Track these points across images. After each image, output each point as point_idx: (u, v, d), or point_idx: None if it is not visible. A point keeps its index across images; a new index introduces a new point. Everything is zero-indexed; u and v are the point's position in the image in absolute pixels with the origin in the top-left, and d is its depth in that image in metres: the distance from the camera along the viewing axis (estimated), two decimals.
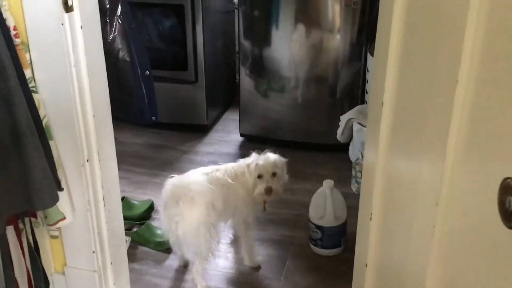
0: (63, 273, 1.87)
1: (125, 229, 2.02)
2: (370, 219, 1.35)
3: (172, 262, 2.32)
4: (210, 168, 2.19)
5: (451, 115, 0.91)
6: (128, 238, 2.35)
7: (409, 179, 1.14)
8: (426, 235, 1.00)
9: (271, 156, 2.15)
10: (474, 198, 0.84)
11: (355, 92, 3.11)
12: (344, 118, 2.68)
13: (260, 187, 2.07)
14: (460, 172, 0.88)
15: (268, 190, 2.07)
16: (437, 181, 0.94)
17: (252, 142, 3.38)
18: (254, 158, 2.12)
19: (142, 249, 2.40)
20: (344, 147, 2.87)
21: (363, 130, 2.52)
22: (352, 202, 2.37)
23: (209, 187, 2.02)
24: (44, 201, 1.47)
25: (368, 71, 2.89)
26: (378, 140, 1.28)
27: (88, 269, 1.83)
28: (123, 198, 2.45)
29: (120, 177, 1.90)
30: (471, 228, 0.87)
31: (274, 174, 2.10)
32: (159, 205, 2.64)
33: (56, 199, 1.50)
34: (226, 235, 2.48)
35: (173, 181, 2.07)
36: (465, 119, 0.89)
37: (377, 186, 1.32)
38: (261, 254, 2.37)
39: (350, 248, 2.30)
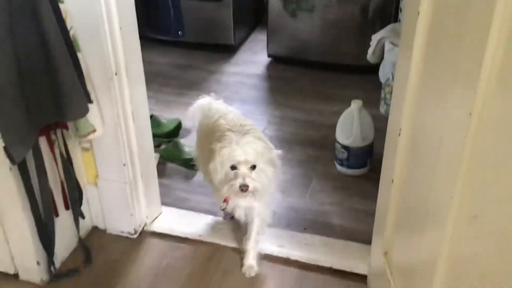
0: (96, 185, 1.93)
1: (154, 146, 2.06)
2: (399, 135, 1.33)
3: (200, 178, 2.37)
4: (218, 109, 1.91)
5: (491, 24, 0.86)
6: (157, 155, 2.40)
7: (441, 92, 1.10)
8: (456, 150, 0.98)
9: (254, 142, 1.61)
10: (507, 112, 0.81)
11: (387, 11, 2.99)
12: (375, 37, 2.60)
13: (233, 184, 1.57)
14: (496, 85, 0.85)
15: (243, 189, 1.57)
16: (472, 92, 0.91)
17: (279, 63, 3.33)
18: (229, 140, 1.61)
19: (170, 165, 2.45)
20: (373, 69, 2.81)
21: (395, 50, 2.44)
22: (380, 124, 2.35)
23: None
24: (75, 111, 1.49)
25: None
26: (411, 53, 1.24)
27: (119, 181, 1.89)
28: (151, 116, 2.47)
29: (147, 97, 1.91)
30: (504, 141, 0.85)
31: (253, 167, 1.59)
32: (186, 124, 2.68)
33: (86, 110, 1.52)
34: None
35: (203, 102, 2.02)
36: (505, 28, 0.84)
37: (408, 101, 1.29)
38: (287, 173, 2.40)
39: (376, 168, 2.31)
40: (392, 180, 1.40)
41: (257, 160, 1.59)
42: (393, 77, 2.49)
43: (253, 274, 1.82)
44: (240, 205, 1.79)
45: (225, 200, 1.73)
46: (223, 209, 1.76)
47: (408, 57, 1.26)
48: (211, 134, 1.76)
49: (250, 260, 1.85)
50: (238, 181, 1.56)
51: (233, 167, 1.59)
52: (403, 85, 1.30)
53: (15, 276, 1.83)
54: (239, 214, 1.83)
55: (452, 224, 1.01)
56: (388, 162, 1.47)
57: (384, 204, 1.51)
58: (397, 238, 1.45)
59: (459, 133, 0.95)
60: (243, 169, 1.57)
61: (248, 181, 1.56)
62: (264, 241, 1.97)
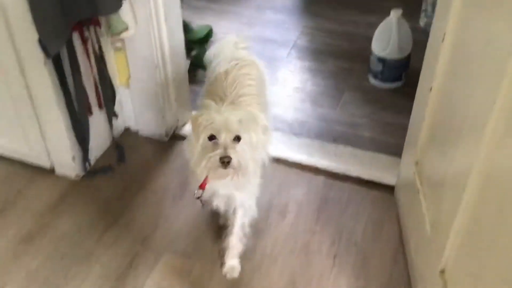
0: (128, 86, 1.94)
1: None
2: (442, 40, 1.28)
3: None
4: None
5: None
6: (188, 61, 2.37)
7: (489, 5, 1.04)
8: (505, 53, 0.93)
9: (239, 110, 1.36)
10: None
11: None
12: None
13: (212, 156, 1.26)
14: None
15: (225, 162, 1.25)
16: None
17: None
18: (207, 107, 1.35)
19: (201, 72, 2.42)
20: None
21: None
22: (418, 37, 2.26)
23: None
24: (108, 6, 1.47)
25: None
26: None
27: (151, 83, 1.89)
28: (183, 22, 2.42)
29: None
30: None
31: (238, 139, 1.29)
32: (217, 31, 2.62)
33: (119, 5, 1.49)
34: (286, 64, 2.47)
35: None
36: None
37: (455, 5, 1.22)
38: (318, 84, 2.36)
39: (410, 83, 2.25)
40: (431, 89, 1.36)
41: (242, 130, 1.28)
42: None
43: (235, 275, 1.53)
44: (219, 193, 1.45)
45: (201, 186, 1.38)
46: (199, 198, 1.40)
47: None
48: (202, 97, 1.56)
49: (232, 259, 1.55)
50: (218, 152, 1.25)
51: (212, 137, 1.28)
52: None
53: (51, 170, 1.90)
54: (218, 204, 1.49)
55: (490, 134, 0.99)
56: (427, 70, 1.42)
57: (419, 113, 1.48)
58: (430, 148, 1.43)
59: (506, 42, 0.90)
60: (224, 139, 1.26)
61: (230, 153, 1.25)
62: (293, 150, 1.98)
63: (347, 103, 2.26)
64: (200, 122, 1.29)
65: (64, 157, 1.82)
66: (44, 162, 1.88)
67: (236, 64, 1.61)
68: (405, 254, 1.59)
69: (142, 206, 1.78)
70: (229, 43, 1.72)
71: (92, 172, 1.88)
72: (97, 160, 1.94)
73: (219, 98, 1.48)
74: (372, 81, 2.32)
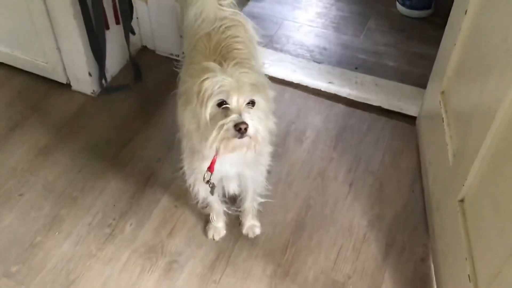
0: (146, 2, 1.87)
1: None
2: None
3: (251, 8, 2.27)
4: None
5: None
6: None
7: None
8: None
9: (249, 72, 1.13)
10: None
11: None
12: None
13: (225, 123, 1.05)
14: None
15: (241, 129, 1.05)
16: None
17: None
18: (212, 69, 1.12)
19: None
20: None
21: None
22: None
23: None
24: None
25: None
26: None
27: (169, 1, 1.82)
28: None
29: None
30: None
31: (251, 103, 1.09)
32: None
33: None
34: None
35: None
36: None
37: None
38: (343, 10, 2.26)
39: (440, 13, 2.16)
40: (466, 12, 1.29)
41: (256, 94, 1.10)
42: None
43: (257, 232, 1.47)
44: (229, 174, 1.29)
45: (210, 167, 1.20)
46: (208, 182, 1.22)
47: None
48: (186, 67, 1.36)
49: (251, 220, 1.47)
50: (232, 118, 1.05)
51: (222, 103, 1.08)
52: None
53: (68, 85, 1.88)
54: (228, 187, 1.35)
55: None
56: None
57: (450, 40, 1.41)
58: (459, 77, 1.38)
59: None
60: (237, 102, 1.07)
61: (246, 118, 1.06)
62: (312, 76, 1.93)
63: (372, 30, 2.17)
64: (206, 87, 1.08)
65: (80, 73, 1.79)
66: (61, 77, 1.86)
67: (221, 26, 1.38)
68: (422, 184, 1.57)
69: (159, 125, 1.77)
70: (211, 1, 1.43)
71: (109, 89, 1.86)
72: (114, 78, 1.91)
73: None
74: (400, 8, 2.21)
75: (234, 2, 1.48)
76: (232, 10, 1.46)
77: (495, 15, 1.15)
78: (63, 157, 1.66)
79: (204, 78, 1.09)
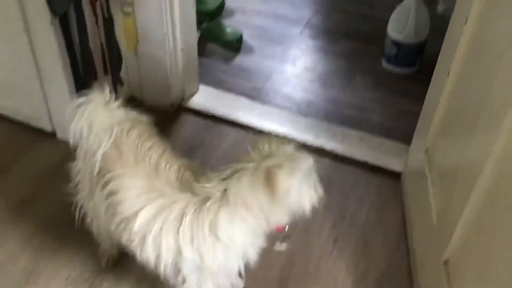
0: (135, 53, 1.89)
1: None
2: (465, 23, 1.22)
3: (240, 61, 2.31)
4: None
5: None
6: (198, 33, 2.32)
7: None
8: None
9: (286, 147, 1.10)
10: None
11: None
12: None
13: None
14: None
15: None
16: None
17: None
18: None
19: (211, 45, 2.38)
20: None
21: None
22: (435, 23, 2.20)
23: None
24: None
25: None
26: None
27: (159, 51, 1.84)
28: None
29: None
30: None
31: None
32: (230, 5, 2.56)
33: None
34: (299, 42, 2.42)
35: None
36: None
37: None
38: (330, 65, 2.31)
39: (424, 69, 2.21)
40: (448, 73, 1.31)
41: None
42: None
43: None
44: None
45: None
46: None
47: None
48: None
49: None
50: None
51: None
52: None
53: (53, 134, 1.87)
54: None
55: (510, 123, 0.94)
56: (446, 53, 1.37)
57: (434, 99, 1.44)
58: (442, 135, 1.39)
59: None
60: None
61: None
62: (299, 130, 1.94)
63: (358, 86, 2.21)
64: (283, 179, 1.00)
65: (66, 121, 1.78)
66: (46, 125, 1.85)
67: (122, 130, 1.19)
68: (407, 242, 1.56)
69: None
70: (99, 106, 1.21)
71: None
72: None
73: None
74: (385, 65, 2.26)
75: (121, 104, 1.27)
76: (124, 110, 1.27)
77: (476, 76, 1.18)
78: (44, 207, 1.63)
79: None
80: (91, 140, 1.18)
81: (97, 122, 1.19)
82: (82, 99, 1.20)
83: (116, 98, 1.26)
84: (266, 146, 1.07)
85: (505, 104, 0.95)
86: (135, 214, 1.10)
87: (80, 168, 1.28)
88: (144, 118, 1.30)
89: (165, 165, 1.15)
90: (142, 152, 1.17)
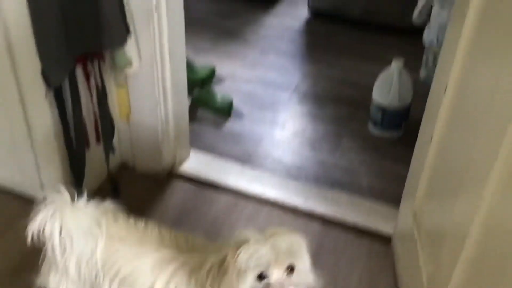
0: (128, 122, 1.93)
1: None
2: (444, 92, 1.28)
3: (231, 126, 2.36)
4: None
5: None
6: (189, 100, 2.38)
7: (496, 49, 1.04)
8: (506, 106, 0.93)
9: (284, 237, 1.05)
10: None
11: None
12: None
13: None
14: None
15: None
16: None
17: (320, 18, 3.24)
18: (252, 241, 1.02)
19: (201, 112, 2.44)
20: (417, 31, 2.70)
21: (443, 12, 2.33)
22: (418, 89, 2.29)
23: None
24: (113, 40, 1.48)
25: None
26: (467, 8, 1.17)
27: (151, 120, 1.89)
28: (186, 61, 2.45)
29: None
30: None
31: (291, 269, 1.03)
32: (220, 72, 2.65)
33: (124, 40, 1.51)
34: (287, 107, 2.49)
35: None
36: None
37: (458, 57, 1.23)
38: (318, 129, 2.36)
39: (410, 133, 2.26)
40: (431, 139, 1.36)
41: (294, 258, 1.03)
42: (438, 41, 2.39)
43: None
44: None
45: None
46: None
47: (464, 11, 1.19)
48: None
49: None
50: None
51: (262, 276, 1.01)
52: (455, 41, 1.24)
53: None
54: None
55: (492, 187, 0.97)
56: (428, 120, 1.42)
57: (418, 164, 1.47)
58: (429, 199, 1.41)
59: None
60: (277, 274, 1.01)
61: None
62: (289, 194, 1.96)
63: (346, 149, 2.25)
64: (242, 259, 0.99)
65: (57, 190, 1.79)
66: (37, 194, 1.85)
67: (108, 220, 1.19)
68: None
69: None
70: (66, 209, 1.17)
71: None
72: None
73: None
74: (372, 129, 2.32)
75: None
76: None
77: (457, 141, 1.22)
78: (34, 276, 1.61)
79: (240, 247, 1.01)
80: (76, 247, 1.15)
81: (71, 227, 1.14)
82: (45, 203, 1.16)
83: (80, 194, 1.22)
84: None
85: (486, 168, 0.98)
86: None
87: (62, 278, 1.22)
88: (118, 205, 1.26)
89: (170, 235, 1.17)
90: (140, 231, 1.19)
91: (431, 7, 2.49)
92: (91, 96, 1.73)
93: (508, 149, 0.92)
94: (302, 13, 3.30)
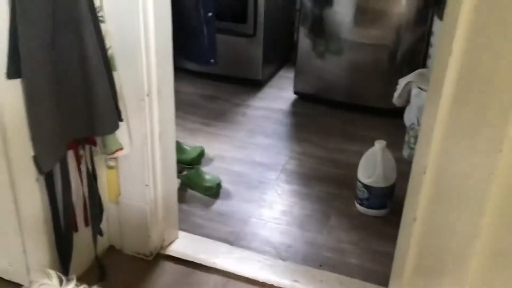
0: (117, 204, 1.95)
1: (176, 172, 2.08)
2: (424, 173, 1.33)
3: (219, 206, 2.38)
4: None
5: None
6: (178, 181, 2.41)
7: (470, 131, 1.11)
8: (484, 185, 0.97)
9: None
10: None
11: (416, 57, 3.02)
12: (402, 81, 2.62)
13: None
14: None
15: None
16: (503, 129, 0.91)
17: (305, 101, 3.37)
18: None
19: (190, 192, 2.46)
20: (398, 112, 2.82)
21: (422, 94, 2.46)
22: (402, 167, 2.34)
23: None
24: (105, 127, 1.53)
25: (433, 35, 2.79)
26: (441, 92, 1.25)
27: (140, 202, 1.91)
28: (175, 142, 2.51)
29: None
30: None
31: None
32: (209, 153, 2.71)
33: (116, 127, 1.56)
34: (275, 187, 2.53)
35: None
36: None
37: (435, 140, 1.29)
38: (305, 208, 2.39)
39: (396, 211, 2.29)
40: (414, 219, 1.39)
41: None
42: (418, 122, 2.49)
43: None
44: None
45: None
46: None
47: (437, 98, 1.27)
48: None
49: None
50: None
51: None
52: (430, 126, 1.30)
53: None
54: None
55: (475, 265, 1.00)
56: (411, 201, 1.46)
57: (404, 244, 1.49)
58: (416, 279, 1.42)
59: (486, 170, 0.95)
60: None
61: None
62: (278, 274, 1.95)
63: (334, 228, 2.27)
64: None
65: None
66: (23, 280, 1.82)
67: None
68: None
69: None
70: None
71: None
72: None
73: None
74: (359, 207, 2.35)
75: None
76: None
77: (440, 222, 1.26)
78: None
79: None
80: None
81: None
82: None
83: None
84: None
85: (466, 251, 1.01)
86: None
87: None
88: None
89: None
90: None
91: (411, 89, 2.62)
92: (81, 179, 1.75)
93: (487, 230, 0.95)
94: (288, 95, 3.43)
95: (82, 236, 1.83)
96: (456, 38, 1.15)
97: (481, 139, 1.01)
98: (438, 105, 1.26)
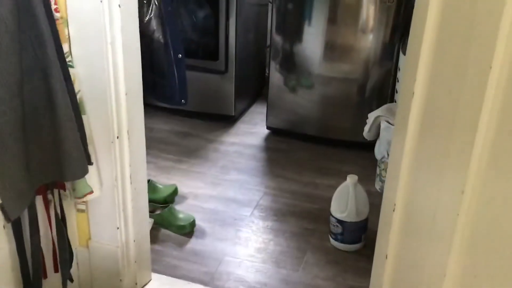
0: (87, 247, 1.91)
1: (149, 211, 2.06)
2: (393, 210, 1.35)
3: (193, 245, 2.35)
4: None
5: (481, 106, 0.90)
6: (151, 220, 2.39)
7: (434, 171, 1.13)
8: (449, 224, 0.99)
9: None
10: (502, 188, 0.84)
11: (384, 91, 3.09)
12: (372, 116, 2.67)
13: None
14: (487, 165, 0.88)
15: None
16: (464, 171, 0.94)
17: (277, 135, 3.40)
18: None
19: (164, 231, 2.43)
20: (369, 145, 2.86)
21: (390, 128, 2.50)
22: (375, 200, 2.37)
23: None
24: (74, 172, 1.51)
25: (399, 70, 2.87)
26: (405, 132, 1.28)
27: (111, 245, 1.87)
28: (148, 181, 2.49)
29: (146, 161, 1.93)
30: (495, 219, 0.86)
31: None
32: (183, 191, 2.70)
33: (85, 171, 1.54)
34: (249, 224, 2.52)
35: None
36: (496, 111, 0.88)
37: (402, 178, 1.32)
38: (281, 245, 2.38)
39: (370, 244, 2.30)
40: (386, 256, 1.40)
41: None
42: (388, 155, 2.53)
43: None
44: None
45: None
46: None
47: (403, 136, 1.29)
48: None
49: None
50: None
51: None
52: (397, 163, 1.33)
53: None
54: None
55: None
56: (382, 238, 1.47)
57: (377, 281, 1.49)
58: None
59: (451, 210, 0.97)
60: None
61: None
62: None
63: (309, 264, 2.26)
64: None
65: None
66: None
67: None
68: None
69: None
70: None
71: None
72: None
73: None
74: (333, 242, 2.36)
75: None
76: None
77: (410, 260, 1.27)
78: None
79: None
80: None
81: None
82: None
83: None
84: None
85: (437, 284, 1.02)
86: None
87: None
88: None
89: None
90: None
91: (380, 123, 2.67)
92: (50, 224, 1.72)
93: (454, 268, 0.97)
94: (261, 130, 3.45)
95: (52, 283, 1.78)
96: (417, 80, 1.19)
97: (445, 178, 1.03)
98: (404, 142, 1.28)
